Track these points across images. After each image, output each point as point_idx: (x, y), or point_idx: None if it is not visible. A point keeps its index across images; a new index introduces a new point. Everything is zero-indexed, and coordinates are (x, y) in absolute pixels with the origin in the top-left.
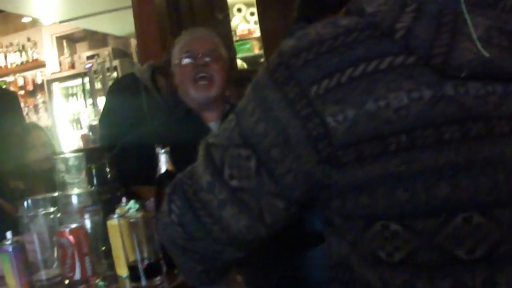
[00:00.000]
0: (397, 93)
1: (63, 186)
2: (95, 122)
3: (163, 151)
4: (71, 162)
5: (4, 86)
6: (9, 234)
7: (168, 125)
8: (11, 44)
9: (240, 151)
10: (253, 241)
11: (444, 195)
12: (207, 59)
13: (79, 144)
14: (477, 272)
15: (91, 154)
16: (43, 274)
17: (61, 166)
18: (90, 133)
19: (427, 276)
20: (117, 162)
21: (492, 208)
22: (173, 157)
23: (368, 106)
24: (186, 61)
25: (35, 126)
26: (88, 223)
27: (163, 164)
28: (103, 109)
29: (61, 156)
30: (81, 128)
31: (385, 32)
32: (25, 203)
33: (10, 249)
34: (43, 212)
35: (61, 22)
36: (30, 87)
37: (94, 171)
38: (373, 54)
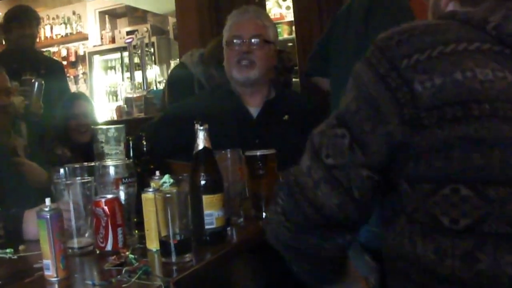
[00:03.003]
0: (483, 69)
1: (101, 156)
2: (131, 95)
3: (202, 128)
4: (111, 133)
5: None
6: (48, 201)
7: (209, 101)
8: (57, 17)
9: (336, 130)
10: (345, 223)
11: None
12: (252, 45)
13: (113, 115)
14: None
15: (128, 125)
16: (75, 242)
17: (101, 137)
18: (125, 106)
19: (491, 247)
20: (156, 132)
21: None
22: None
23: (455, 75)
24: (232, 44)
25: (81, 96)
26: (122, 195)
27: (201, 141)
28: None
29: (101, 127)
30: (117, 100)
31: (476, 24)
32: (62, 170)
33: (48, 216)
34: (81, 180)
35: None
36: (72, 58)
37: (130, 143)
38: (463, 38)
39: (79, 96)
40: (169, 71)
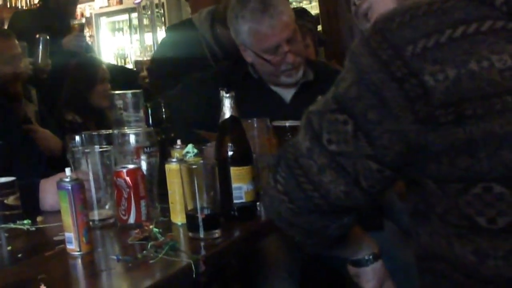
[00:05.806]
0: (500, 55)
1: (119, 123)
2: (141, 58)
3: (228, 95)
4: (128, 99)
5: None
6: (68, 171)
7: (232, 75)
8: None
9: (336, 116)
10: (352, 208)
11: None
12: (286, 49)
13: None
14: None
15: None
16: (96, 214)
17: (118, 102)
18: (135, 69)
19: None
20: (180, 99)
21: None
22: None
23: (470, 65)
24: (267, 58)
25: (101, 61)
26: (143, 165)
27: (227, 109)
28: (159, 48)
29: (118, 92)
30: (125, 63)
31: (484, 0)
32: (79, 138)
33: (69, 187)
34: (100, 149)
35: None
36: None
37: (149, 110)
38: (473, 17)
39: (100, 61)
40: None
